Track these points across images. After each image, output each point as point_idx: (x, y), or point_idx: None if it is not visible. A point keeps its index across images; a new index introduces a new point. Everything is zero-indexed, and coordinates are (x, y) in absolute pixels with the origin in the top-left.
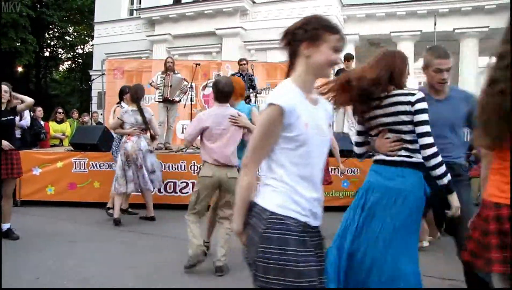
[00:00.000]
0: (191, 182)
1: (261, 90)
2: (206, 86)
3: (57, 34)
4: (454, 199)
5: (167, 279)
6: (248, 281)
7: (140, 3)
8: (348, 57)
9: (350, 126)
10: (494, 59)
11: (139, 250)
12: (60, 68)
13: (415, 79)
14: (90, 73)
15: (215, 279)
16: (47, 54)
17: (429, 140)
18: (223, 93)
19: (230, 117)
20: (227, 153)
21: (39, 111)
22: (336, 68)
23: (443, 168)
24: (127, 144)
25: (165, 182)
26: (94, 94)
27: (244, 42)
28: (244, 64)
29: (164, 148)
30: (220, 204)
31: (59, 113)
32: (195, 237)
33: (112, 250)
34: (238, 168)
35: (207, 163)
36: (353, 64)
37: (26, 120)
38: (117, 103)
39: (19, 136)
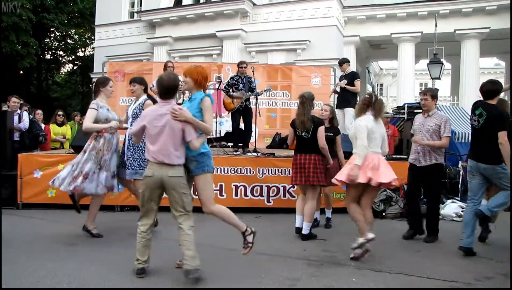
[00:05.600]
0: None
1: (261, 92)
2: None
3: (58, 37)
4: None
5: (164, 281)
6: (245, 282)
7: (140, 6)
8: (343, 62)
9: (347, 128)
10: None
11: None
12: (61, 71)
13: (416, 80)
14: (91, 76)
15: (211, 279)
16: (48, 57)
17: None
18: (167, 89)
19: (171, 111)
20: (167, 151)
21: (39, 114)
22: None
23: None
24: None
25: None
26: None
27: (245, 44)
28: (244, 67)
29: None
30: (170, 204)
31: (59, 115)
32: (138, 250)
33: (112, 253)
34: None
35: (149, 162)
36: (349, 68)
37: (25, 123)
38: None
39: (18, 139)
